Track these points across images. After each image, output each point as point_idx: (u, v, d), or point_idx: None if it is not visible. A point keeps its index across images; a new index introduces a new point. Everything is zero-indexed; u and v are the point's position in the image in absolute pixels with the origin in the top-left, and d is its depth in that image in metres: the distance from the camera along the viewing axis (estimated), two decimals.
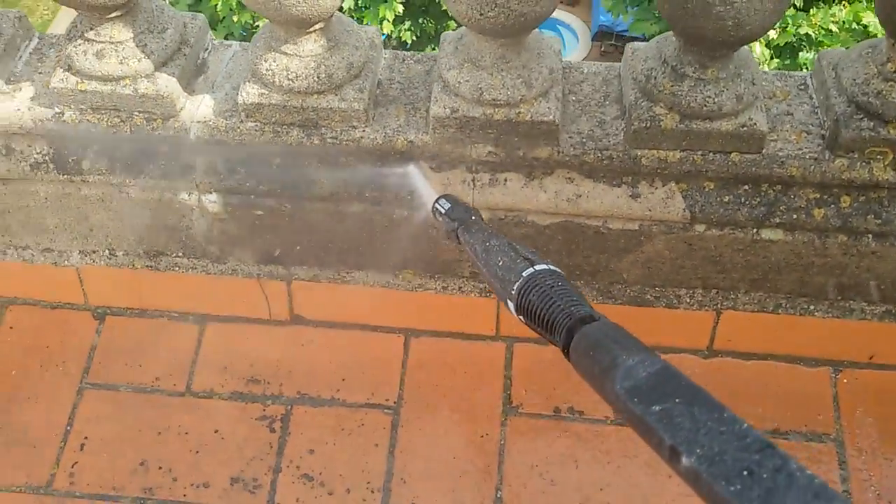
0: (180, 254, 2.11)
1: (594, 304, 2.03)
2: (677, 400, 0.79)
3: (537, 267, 1.14)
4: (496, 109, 1.73)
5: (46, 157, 1.94)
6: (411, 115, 1.83)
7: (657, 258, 1.90)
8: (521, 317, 1.16)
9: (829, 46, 6.11)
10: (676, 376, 0.83)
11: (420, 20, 8.20)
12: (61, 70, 1.86)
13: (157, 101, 1.84)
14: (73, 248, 2.14)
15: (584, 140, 1.77)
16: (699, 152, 1.73)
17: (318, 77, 1.75)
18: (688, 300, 2.00)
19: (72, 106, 1.87)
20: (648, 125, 1.69)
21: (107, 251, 2.14)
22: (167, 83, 1.83)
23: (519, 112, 1.72)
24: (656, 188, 1.80)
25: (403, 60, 1.94)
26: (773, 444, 0.72)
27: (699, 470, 0.72)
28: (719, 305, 2.00)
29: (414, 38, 8.19)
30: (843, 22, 6.32)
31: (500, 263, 1.19)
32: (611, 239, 1.86)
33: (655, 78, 1.69)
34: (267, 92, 1.79)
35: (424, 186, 1.79)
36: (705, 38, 1.56)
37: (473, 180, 1.84)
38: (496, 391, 2.04)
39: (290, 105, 1.78)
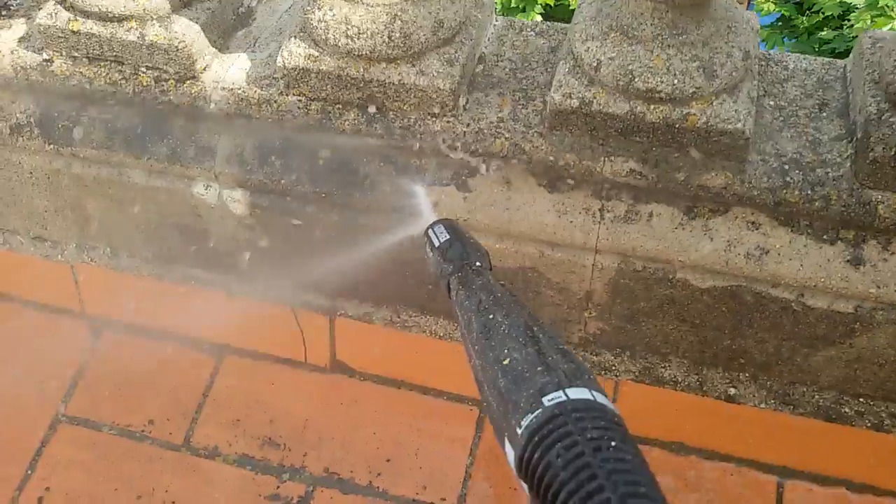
0: (197, 264, 1.62)
1: (762, 408, 1.41)
2: None
3: (572, 391, 0.68)
4: (652, 106, 1.14)
5: (31, 119, 1.47)
6: (520, 106, 1.26)
7: (873, 358, 1.29)
8: (521, 479, 0.67)
9: None
10: None
11: None
12: (53, 2, 1.37)
13: (170, 53, 1.34)
14: (69, 239, 1.68)
15: (787, 167, 1.16)
16: None
17: (389, 36, 1.20)
18: None
19: (63, 52, 1.40)
20: None
21: (108, 249, 1.67)
22: (187, 31, 1.33)
23: (688, 113, 1.12)
24: (893, 254, 1.17)
25: (521, 31, 1.37)
26: None
27: None
28: None
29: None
30: None
31: (506, 362, 0.74)
32: (806, 321, 1.26)
33: None
34: (317, 53, 1.25)
35: (424, 201, 1.29)
36: None
37: (602, 210, 1.25)
38: None
39: (346, 74, 1.24)
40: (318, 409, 1.64)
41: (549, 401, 0.67)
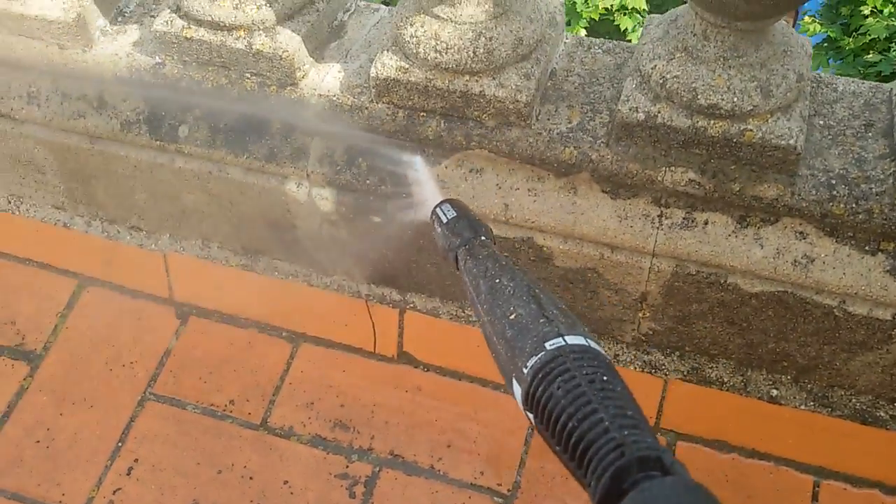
0: (281, 256, 1.74)
1: (801, 409, 1.49)
2: None
3: (570, 338, 0.77)
4: (712, 121, 1.24)
5: (140, 117, 1.61)
6: (588, 118, 1.37)
7: None
8: (529, 413, 0.76)
9: None
10: None
11: None
12: (168, 11, 1.53)
13: (273, 61, 1.47)
14: (164, 229, 1.82)
15: (834, 181, 1.25)
16: None
17: (474, 51, 1.32)
18: None
19: (175, 56, 1.54)
20: None
21: (200, 240, 1.80)
22: (289, 42, 1.46)
23: (745, 129, 1.22)
24: None
25: (589, 48, 1.48)
26: None
27: None
28: None
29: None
30: None
31: (512, 317, 0.83)
32: (846, 327, 1.33)
33: None
34: (407, 66, 1.38)
35: (429, 182, 1.35)
36: None
37: (660, 217, 1.35)
38: None
39: (433, 85, 1.36)
40: (386, 395, 1.73)
41: (550, 345, 0.76)
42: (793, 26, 5.41)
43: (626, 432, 0.66)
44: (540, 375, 0.75)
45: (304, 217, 1.60)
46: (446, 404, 1.71)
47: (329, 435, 1.69)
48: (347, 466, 1.65)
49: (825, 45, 5.83)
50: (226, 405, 1.75)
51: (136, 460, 1.69)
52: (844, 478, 1.52)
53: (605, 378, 0.72)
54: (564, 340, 0.77)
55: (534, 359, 0.76)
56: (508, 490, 1.59)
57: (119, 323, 1.88)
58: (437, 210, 1.14)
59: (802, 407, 1.48)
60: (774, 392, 1.48)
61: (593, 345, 0.77)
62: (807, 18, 6.13)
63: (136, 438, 1.72)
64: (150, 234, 1.84)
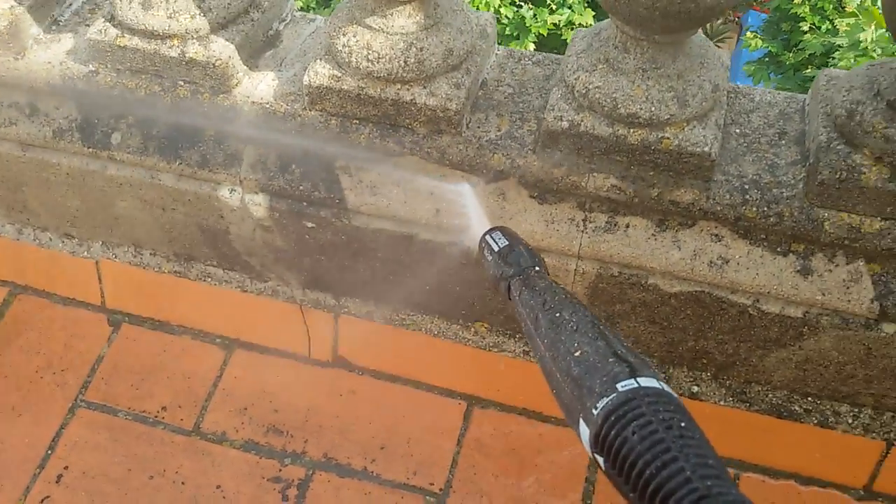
0: (214, 262, 1.74)
1: (721, 405, 1.56)
2: None
3: (643, 381, 0.74)
4: (632, 130, 1.29)
5: (73, 124, 1.60)
6: (517, 126, 1.41)
7: (819, 359, 1.42)
8: (598, 457, 0.73)
9: None
10: None
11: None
12: (102, 20, 1.53)
13: (207, 69, 1.48)
14: (96, 236, 1.81)
15: (747, 186, 1.31)
16: None
17: (405, 61, 1.35)
18: (850, 420, 1.51)
19: (108, 65, 1.54)
20: (843, 177, 1.23)
21: (132, 247, 1.79)
22: (223, 50, 1.48)
23: (663, 137, 1.28)
24: (837, 265, 1.32)
25: (519, 60, 1.53)
26: None
27: None
28: (893, 434, 1.49)
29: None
30: None
31: (577, 354, 0.79)
32: (760, 324, 1.39)
33: (861, 115, 1.22)
34: (340, 74, 1.41)
35: (476, 211, 1.34)
36: None
37: (585, 221, 1.40)
38: (573, 500, 1.57)
39: (365, 93, 1.39)
40: (320, 400, 1.74)
41: (622, 386, 0.73)
42: (736, 42, 5.58)
43: (709, 482, 0.65)
44: (613, 418, 0.72)
45: (238, 223, 1.61)
46: (381, 407, 1.73)
47: (262, 440, 1.70)
48: (280, 470, 1.67)
49: (766, 59, 6.01)
50: (158, 411, 1.75)
51: (65, 467, 1.68)
52: (763, 470, 1.59)
53: (682, 424, 0.70)
54: (637, 382, 0.74)
55: (605, 400, 0.73)
56: (440, 489, 1.62)
57: (50, 331, 1.87)
58: (487, 237, 1.11)
59: (722, 403, 1.55)
60: (695, 388, 1.55)
61: (666, 388, 0.74)
62: (749, 34, 6.33)
63: (66, 446, 1.71)
64: (82, 242, 1.83)
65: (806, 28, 5.33)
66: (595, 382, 0.75)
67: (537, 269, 1.04)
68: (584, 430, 0.75)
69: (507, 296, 1.03)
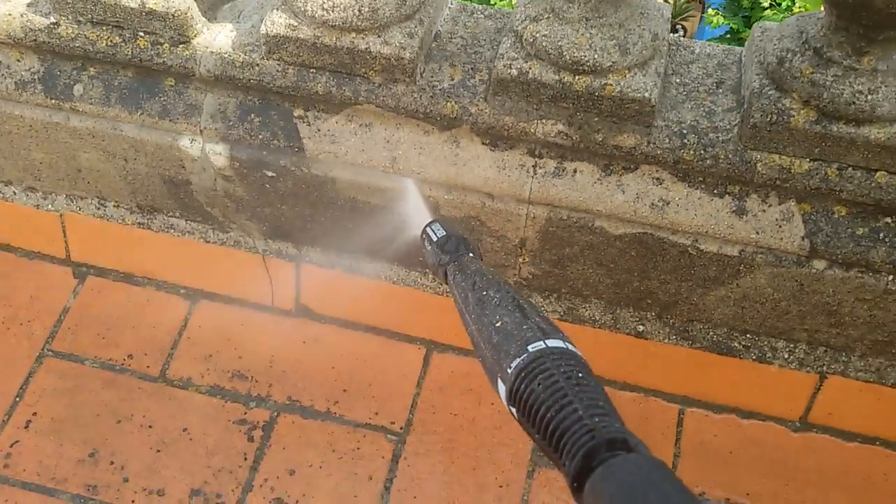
0: (177, 214, 1.78)
1: (665, 343, 1.63)
2: None
3: (550, 342, 0.86)
4: (577, 77, 1.35)
5: (35, 76, 1.63)
6: (469, 76, 1.47)
7: (755, 296, 1.50)
8: (512, 408, 0.85)
9: None
10: None
11: None
12: None
13: (166, 20, 1.51)
14: (60, 190, 1.83)
15: (685, 132, 1.38)
16: (835, 165, 1.33)
17: (359, 10, 1.40)
18: (786, 356, 1.59)
19: (69, 16, 1.56)
20: (773, 120, 1.30)
21: (96, 199, 1.82)
22: (182, 1, 1.51)
23: (606, 83, 1.34)
24: (770, 205, 1.40)
25: (472, 14, 1.58)
26: None
27: None
28: (825, 368, 1.58)
29: None
30: None
31: (498, 324, 0.92)
32: (700, 264, 1.47)
33: (791, 62, 1.29)
34: (296, 23, 1.44)
35: (418, 204, 1.47)
36: (871, 9, 1.16)
37: (535, 167, 1.46)
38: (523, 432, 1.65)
39: (321, 42, 1.44)
40: (283, 347, 1.79)
41: (532, 348, 0.85)
42: (699, 20, 5.65)
43: (596, 419, 0.75)
44: (523, 374, 0.83)
45: (199, 173, 1.65)
46: (343, 353, 1.78)
47: (227, 385, 1.75)
48: (245, 413, 1.72)
49: (728, 36, 6.12)
50: (124, 359, 1.79)
51: (34, 414, 1.72)
52: (705, 405, 1.68)
53: (580, 375, 0.81)
54: (545, 343, 0.85)
55: (517, 360, 0.85)
56: (401, 428, 1.68)
57: (16, 283, 1.90)
58: (427, 229, 1.26)
59: (666, 341, 1.62)
60: (641, 328, 1.62)
61: (571, 347, 0.86)
62: (710, 11, 6.42)
63: (34, 393, 1.74)
64: (46, 195, 1.85)
65: (766, 4, 5.42)
66: (511, 346, 0.87)
67: (471, 255, 1.17)
68: (502, 388, 0.87)
69: (444, 280, 1.16)
